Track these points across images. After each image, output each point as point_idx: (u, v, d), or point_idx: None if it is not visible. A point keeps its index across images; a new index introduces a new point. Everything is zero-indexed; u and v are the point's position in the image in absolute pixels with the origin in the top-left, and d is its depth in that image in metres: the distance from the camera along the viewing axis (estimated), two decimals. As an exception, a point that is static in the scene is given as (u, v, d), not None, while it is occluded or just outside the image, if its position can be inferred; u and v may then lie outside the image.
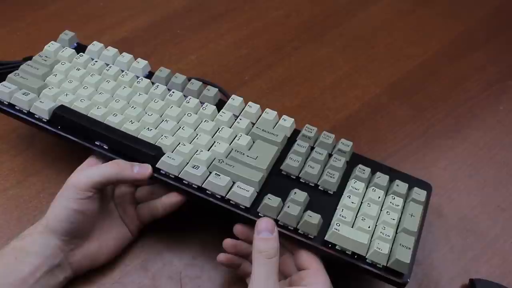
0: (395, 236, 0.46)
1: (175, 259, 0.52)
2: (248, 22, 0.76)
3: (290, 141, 0.53)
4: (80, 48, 0.59)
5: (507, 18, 0.79)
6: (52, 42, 0.59)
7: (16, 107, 0.52)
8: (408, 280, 0.44)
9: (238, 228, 0.48)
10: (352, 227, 0.46)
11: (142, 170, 0.47)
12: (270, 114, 0.54)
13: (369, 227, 0.46)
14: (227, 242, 0.47)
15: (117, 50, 0.58)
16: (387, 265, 0.44)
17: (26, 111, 0.52)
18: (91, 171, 0.47)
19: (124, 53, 0.58)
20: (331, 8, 0.79)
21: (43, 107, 0.51)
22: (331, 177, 0.49)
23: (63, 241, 0.46)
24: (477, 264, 0.53)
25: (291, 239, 0.46)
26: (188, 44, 0.72)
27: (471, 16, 0.79)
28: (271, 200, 0.46)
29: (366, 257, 0.45)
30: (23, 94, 0.52)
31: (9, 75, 0.54)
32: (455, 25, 0.78)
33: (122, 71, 0.57)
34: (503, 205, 0.58)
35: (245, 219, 0.47)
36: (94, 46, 0.59)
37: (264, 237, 0.43)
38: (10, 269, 0.44)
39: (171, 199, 0.49)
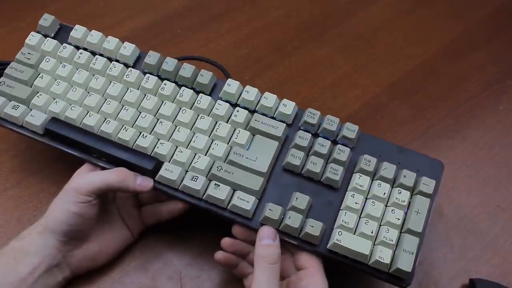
0: (399, 237, 0.46)
1: (175, 259, 0.52)
2: (248, 22, 0.76)
3: (293, 126, 0.51)
4: (63, 32, 0.56)
5: (507, 18, 0.79)
6: (33, 33, 0.55)
7: (9, 121, 0.51)
8: (410, 283, 0.44)
9: (237, 229, 0.48)
10: (355, 232, 0.45)
11: (144, 183, 0.47)
12: (269, 99, 0.52)
13: (372, 232, 0.45)
14: (225, 241, 0.47)
15: (101, 34, 0.55)
16: (389, 272, 0.44)
17: (20, 125, 0.51)
18: (93, 177, 0.46)
19: (109, 38, 0.55)
20: (331, 8, 0.79)
21: (35, 123, 0.49)
22: (334, 173, 0.48)
23: (62, 242, 0.46)
24: (477, 264, 0.53)
25: (293, 246, 0.46)
26: (188, 44, 0.72)
27: (472, 16, 0.79)
28: (272, 211, 0.45)
29: (368, 264, 0.45)
30: (13, 108, 0.50)
31: None
32: (455, 25, 0.77)
33: (110, 60, 0.54)
34: (503, 205, 0.58)
35: (247, 227, 0.47)
36: (77, 32, 0.55)
37: (266, 243, 0.43)
38: (9, 269, 0.44)
39: (177, 204, 0.49)
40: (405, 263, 0.43)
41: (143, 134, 0.49)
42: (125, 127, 0.50)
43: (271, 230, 0.45)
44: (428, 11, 0.79)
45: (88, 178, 0.46)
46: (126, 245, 0.51)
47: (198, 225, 0.53)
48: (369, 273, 0.45)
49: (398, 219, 0.46)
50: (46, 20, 0.56)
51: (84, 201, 0.45)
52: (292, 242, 0.46)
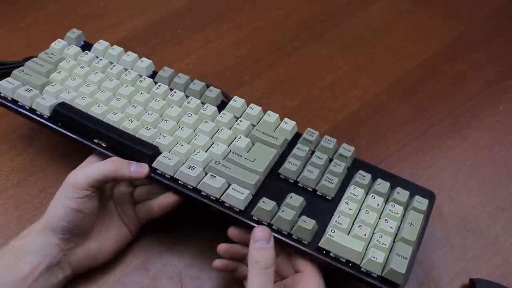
0: (392, 245, 0.45)
1: (175, 260, 0.52)
2: (248, 22, 0.76)
3: (291, 144, 0.52)
4: (87, 47, 0.60)
5: (507, 18, 0.79)
6: (59, 40, 0.59)
7: (18, 103, 0.52)
8: None
9: (232, 231, 0.47)
10: (348, 234, 0.45)
11: (138, 169, 0.47)
12: (271, 116, 0.54)
13: (365, 235, 0.45)
14: (221, 247, 0.47)
15: (122, 49, 0.58)
16: (382, 274, 0.43)
17: (28, 107, 0.52)
18: (88, 170, 0.47)
19: (129, 52, 0.58)
20: (331, 7, 0.79)
21: (44, 104, 0.51)
22: (329, 182, 0.48)
23: (62, 240, 0.46)
24: (477, 264, 0.53)
25: (285, 244, 0.45)
26: (188, 44, 0.72)
27: (471, 16, 0.79)
28: (266, 203, 0.45)
29: (361, 265, 0.44)
30: (26, 90, 0.52)
31: (14, 71, 0.54)
32: (455, 25, 0.78)
33: (126, 69, 0.57)
34: (503, 205, 0.58)
35: (239, 222, 0.47)
36: (100, 45, 0.59)
37: (260, 247, 0.43)
38: (10, 269, 0.44)
39: (167, 199, 0.49)
40: (399, 265, 0.42)
41: (147, 127, 0.51)
42: (131, 119, 0.51)
43: (266, 230, 0.44)
44: (428, 11, 0.80)
45: (83, 172, 0.47)
46: (125, 243, 0.51)
47: (199, 225, 0.53)
48: (361, 279, 0.44)
49: (392, 228, 0.46)
50: (74, 33, 0.60)
51: (82, 196, 0.45)
52: (283, 240, 0.45)
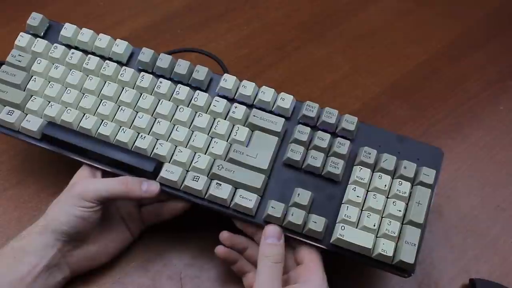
0: (401, 229, 0.46)
1: (175, 259, 0.52)
2: (248, 22, 0.76)
3: (292, 120, 0.51)
4: (53, 31, 0.55)
5: (507, 18, 0.79)
6: (22, 34, 0.54)
7: (5, 127, 0.50)
8: (413, 272, 0.45)
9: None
10: (357, 226, 0.46)
11: (150, 188, 0.47)
12: (267, 94, 0.51)
13: (374, 225, 0.46)
14: (224, 235, 0.48)
15: (92, 32, 0.54)
16: (392, 263, 0.45)
17: (16, 130, 0.50)
18: (99, 185, 0.46)
19: (101, 35, 0.54)
20: (331, 8, 0.79)
21: (31, 128, 0.49)
22: (335, 167, 0.48)
23: (62, 242, 0.46)
24: (477, 264, 0.53)
25: (297, 241, 0.47)
26: (188, 44, 0.72)
27: (471, 16, 0.79)
28: (275, 209, 0.46)
29: (372, 257, 0.45)
30: (8, 113, 0.49)
31: None
32: (455, 25, 0.77)
33: (103, 59, 0.53)
34: (503, 205, 0.58)
35: (251, 224, 0.47)
36: (67, 31, 0.53)
37: (271, 242, 0.44)
38: (9, 269, 0.44)
39: (177, 204, 0.49)
40: (407, 255, 0.44)
41: (141, 135, 0.49)
42: (123, 129, 0.49)
43: (277, 229, 0.45)
44: (428, 11, 0.79)
45: (93, 185, 0.46)
46: (125, 245, 0.51)
47: (198, 225, 0.53)
48: (373, 266, 0.46)
49: (400, 210, 0.47)
50: (35, 19, 0.54)
51: (88, 207, 0.46)
52: (296, 238, 0.46)
